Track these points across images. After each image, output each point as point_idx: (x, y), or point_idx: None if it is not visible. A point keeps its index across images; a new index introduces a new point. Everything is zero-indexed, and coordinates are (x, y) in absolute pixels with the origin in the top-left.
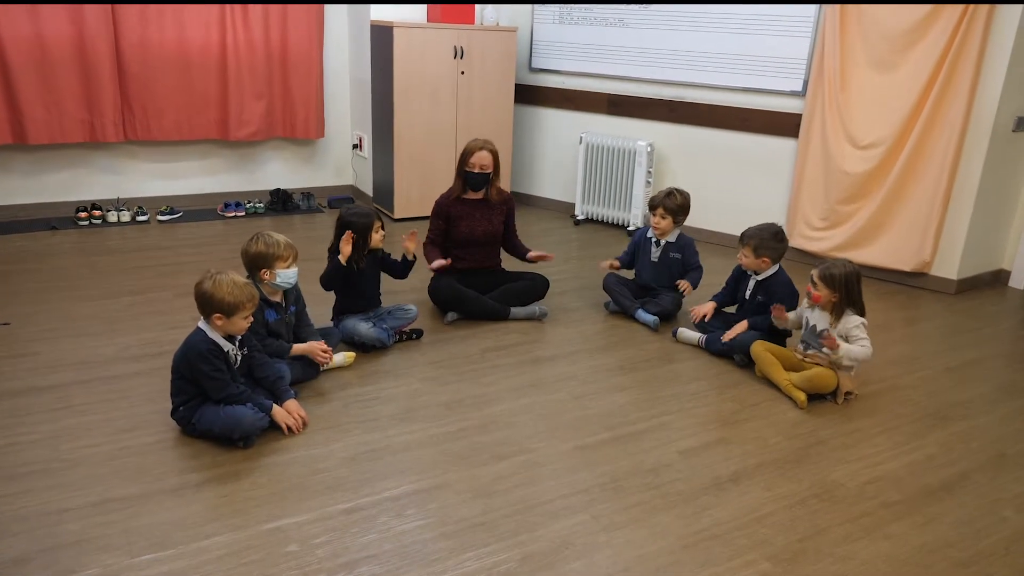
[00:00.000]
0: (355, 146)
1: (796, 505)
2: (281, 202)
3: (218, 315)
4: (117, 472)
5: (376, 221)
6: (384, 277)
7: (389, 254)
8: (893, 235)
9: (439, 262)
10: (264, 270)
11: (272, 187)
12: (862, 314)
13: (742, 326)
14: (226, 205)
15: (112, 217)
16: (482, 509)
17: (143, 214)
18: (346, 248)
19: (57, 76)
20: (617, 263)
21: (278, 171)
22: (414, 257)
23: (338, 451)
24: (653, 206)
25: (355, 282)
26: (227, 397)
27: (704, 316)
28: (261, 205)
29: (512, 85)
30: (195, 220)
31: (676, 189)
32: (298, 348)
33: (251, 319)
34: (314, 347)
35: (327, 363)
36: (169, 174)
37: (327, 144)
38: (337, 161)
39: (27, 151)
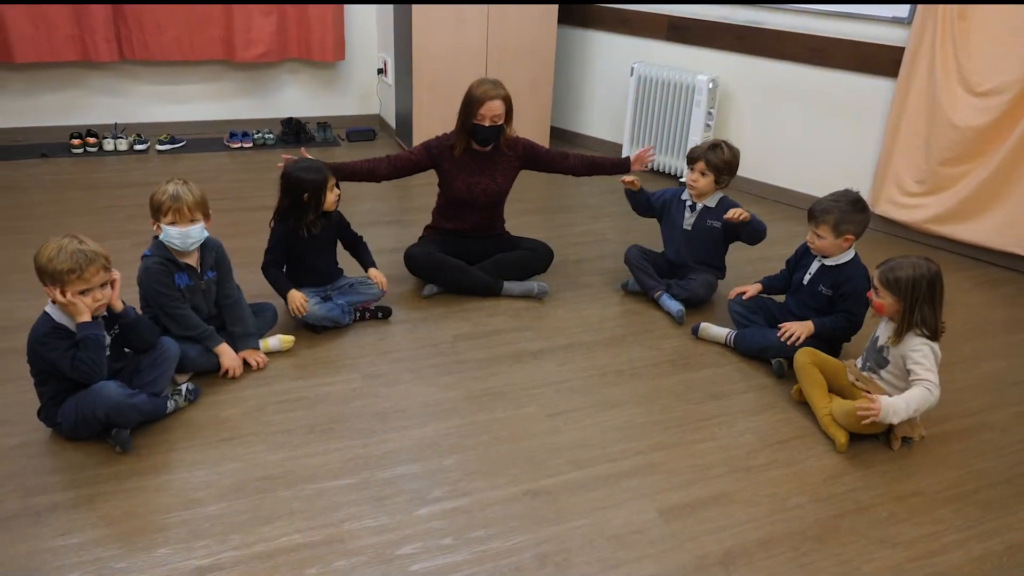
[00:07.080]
0: (380, 71)
1: None
2: (294, 132)
3: (47, 288)
4: None
5: (330, 179)
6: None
7: (348, 224)
8: (1008, 208)
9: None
10: (153, 222)
11: (287, 115)
12: (934, 336)
13: (807, 328)
14: (232, 135)
15: (108, 145)
16: None
17: (142, 142)
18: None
19: None
20: (638, 183)
21: (294, 98)
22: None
23: (226, 475)
24: (693, 159)
25: (303, 253)
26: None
27: (743, 294)
28: (271, 135)
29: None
30: (198, 151)
31: (724, 142)
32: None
33: (98, 298)
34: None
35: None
36: (172, 98)
37: (349, 68)
38: (361, 87)
39: (18, 70)
